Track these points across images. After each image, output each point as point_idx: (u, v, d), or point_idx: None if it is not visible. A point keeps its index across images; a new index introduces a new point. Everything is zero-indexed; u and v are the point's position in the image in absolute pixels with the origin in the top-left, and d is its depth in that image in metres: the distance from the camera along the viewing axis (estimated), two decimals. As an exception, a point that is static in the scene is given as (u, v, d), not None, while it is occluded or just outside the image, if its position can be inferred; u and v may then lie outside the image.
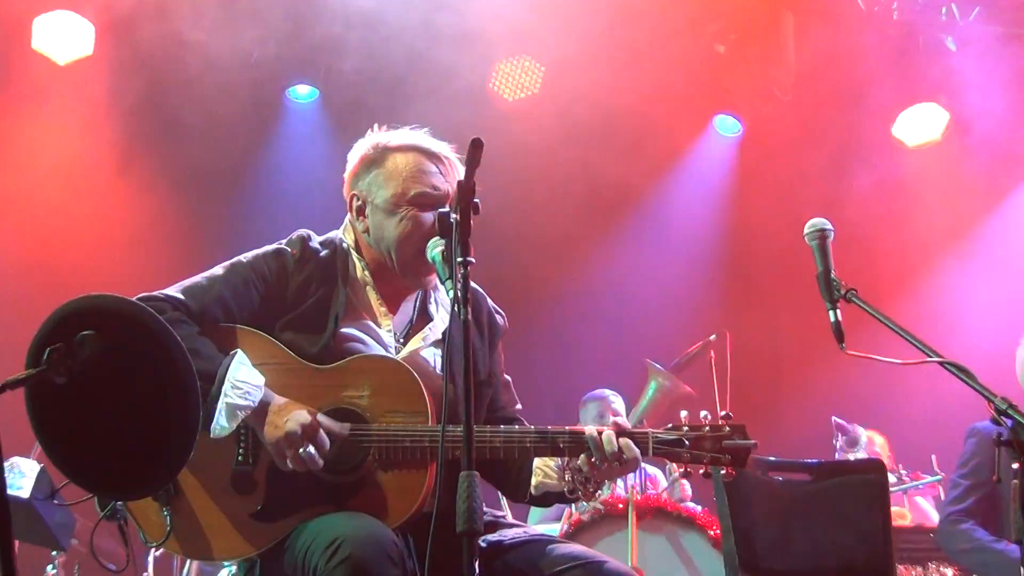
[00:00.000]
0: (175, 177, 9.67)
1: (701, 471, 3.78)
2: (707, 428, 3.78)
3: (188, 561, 8.15)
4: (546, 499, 4.05)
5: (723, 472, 3.77)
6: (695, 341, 8.48)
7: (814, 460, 4.95)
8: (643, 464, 7.11)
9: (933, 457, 7.40)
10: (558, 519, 7.48)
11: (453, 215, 3.41)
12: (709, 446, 3.76)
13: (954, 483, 6.07)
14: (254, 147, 10.10)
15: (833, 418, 7.96)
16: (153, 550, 7.87)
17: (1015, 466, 3.23)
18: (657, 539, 6.73)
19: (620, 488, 7.62)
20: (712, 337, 8.25)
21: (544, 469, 3.98)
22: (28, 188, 9.29)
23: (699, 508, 7.07)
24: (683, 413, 3.81)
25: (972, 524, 5.78)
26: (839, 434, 7.99)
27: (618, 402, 8.57)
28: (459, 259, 3.35)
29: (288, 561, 3.70)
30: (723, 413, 3.81)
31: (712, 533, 6.76)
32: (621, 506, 6.84)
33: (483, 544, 3.86)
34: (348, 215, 4.19)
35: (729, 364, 8.05)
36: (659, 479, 8.29)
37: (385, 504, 3.77)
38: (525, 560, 3.89)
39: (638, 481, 7.60)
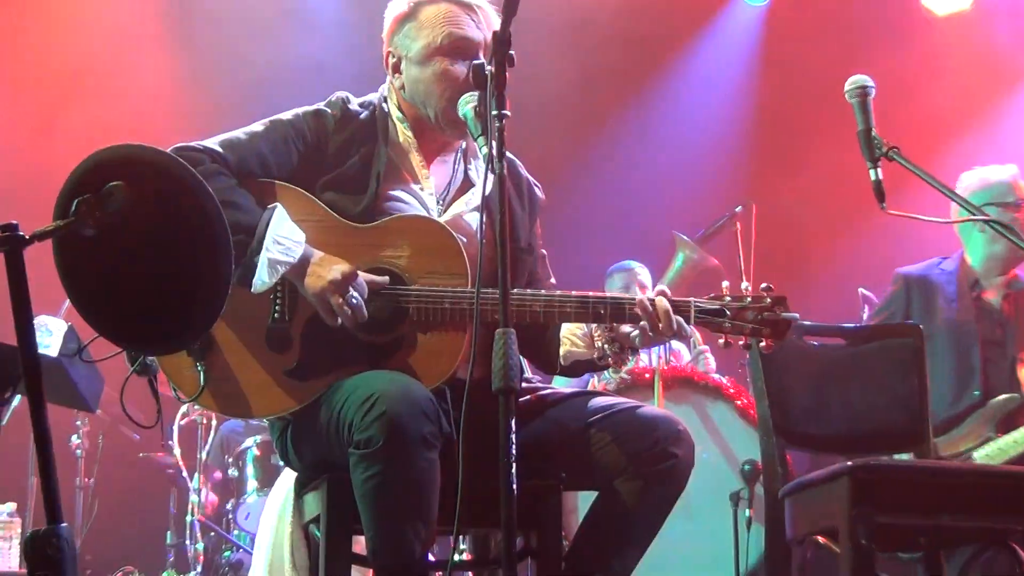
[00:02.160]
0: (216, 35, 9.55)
1: (741, 342, 3.73)
2: (749, 299, 3.72)
3: (212, 431, 8.22)
4: (575, 368, 4.02)
5: (762, 344, 3.72)
6: (721, 212, 8.37)
7: (850, 324, 4.93)
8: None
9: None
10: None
11: (488, 66, 3.32)
12: (751, 317, 3.71)
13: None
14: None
15: (860, 289, 7.88)
16: (177, 419, 7.94)
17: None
18: (684, 409, 6.71)
19: (644, 360, 7.59)
20: (738, 208, 8.14)
21: (571, 338, 3.94)
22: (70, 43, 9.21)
23: (725, 379, 7.04)
24: (724, 284, 3.76)
25: None
26: (866, 305, 7.92)
27: (644, 274, 8.51)
28: (494, 112, 3.27)
29: (323, 418, 3.67)
30: (764, 285, 3.75)
31: (739, 403, 6.75)
32: (648, 376, 6.81)
33: (522, 401, 3.84)
34: (388, 76, 4.10)
35: (755, 235, 7.96)
36: (683, 353, 8.25)
37: (422, 365, 3.73)
38: (565, 412, 3.91)
39: (663, 353, 7.57)
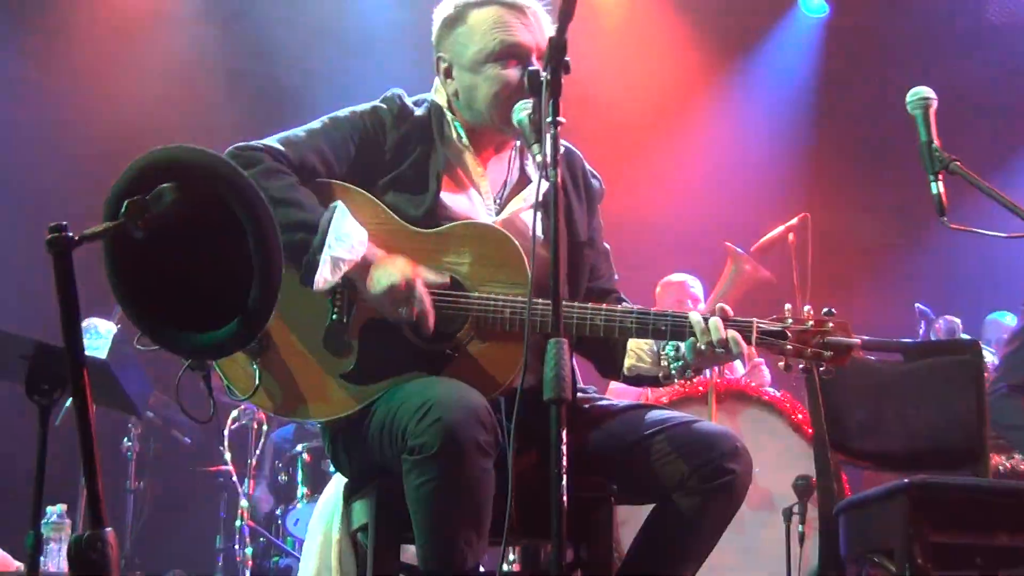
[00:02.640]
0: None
1: (801, 366, 3.68)
2: (811, 323, 3.66)
3: (263, 437, 8.23)
4: (639, 381, 3.99)
5: (822, 368, 3.67)
6: (776, 226, 8.29)
7: (908, 339, 4.86)
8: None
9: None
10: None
11: (544, 73, 3.27)
12: (812, 340, 3.65)
13: (1004, 357, 5.98)
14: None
15: (917, 304, 7.81)
16: (228, 423, 7.95)
17: None
18: (737, 422, 6.65)
19: (698, 373, 7.54)
20: (793, 220, 8.06)
21: (637, 352, 3.90)
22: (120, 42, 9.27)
23: (779, 393, 6.98)
24: (787, 306, 3.70)
25: (1019, 402, 5.69)
26: (923, 321, 7.85)
27: (697, 287, 8.46)
28: (549, 119, 3.23)
29: (376, 422, 3.64)
30: (826, 310, 3.69)
31: (793, 418, 6.68)
32: (701, 389, 6.76)
33: (577, 411, 3.81)
34: (437, 77, 4.07)
35: (811, 249, 7.89)
36: (736, 366, 8.17)
37: (480, 374, 3.69)
38: (621, 424, 3.88)
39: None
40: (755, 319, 3.68)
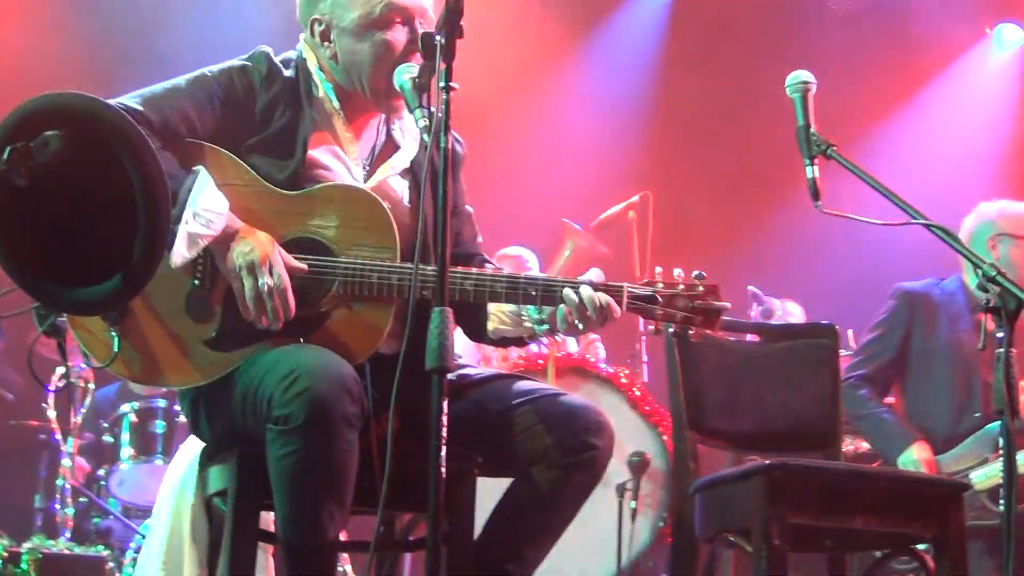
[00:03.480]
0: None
1: (671, 330, 3.69)
2: (681, 287, 3.68)
3: (88, 395, 8.00)
4: (503, 343, 3.98)
5: (691, 332, 3.69)
6: (615, 202, 8.34)
7: (765, 322, 4.92)
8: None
9: (850, 332, 7.38)
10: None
11: (438, 36, 3.22)
12: (682, 304, 3.67)
13: (862, 345, 6.16)
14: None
15: (750, 287, 7.91)
16: (55, 379, 7.70)
17: (1000, 335, 3.17)
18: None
19: (533, 347, 7.53)
20: (634, 198, 8.12)
21: (499, 315, 3.87)
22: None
23: (617, 369, 7.01)
24: (657, 269, 3.71)
25: (868, 391, 5.94)
26: (755, 304, 7.94)
27: (532, 261, 8.43)
28: (442, 84, 3.18)
29: (240, 389, 3.54)
30: (696, 273, 3.71)
31: (630, 394, 6.73)
32: (541, 362, 6.77)
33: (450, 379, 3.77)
34: (303, 34, 3.93)
35: (651, 227, 7.96)
36: (569, 341, 8.20)
37: (346, 340, 3.62)
38: (486, 394, 3.83)
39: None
40: (626, 284, 3.68)
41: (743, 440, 4.81)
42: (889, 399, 6.08)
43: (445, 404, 3.03)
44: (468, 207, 4.14)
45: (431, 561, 3.04)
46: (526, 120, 10.14)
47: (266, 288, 3.49)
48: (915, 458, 5.63)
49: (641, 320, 3.77)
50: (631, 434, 6.61)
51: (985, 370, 5.79)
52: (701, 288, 3.68)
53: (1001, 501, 3.28)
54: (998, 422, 5.60)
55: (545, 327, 3.74)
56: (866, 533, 4.27)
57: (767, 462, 4.09)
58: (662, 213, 8.11)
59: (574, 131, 10.07)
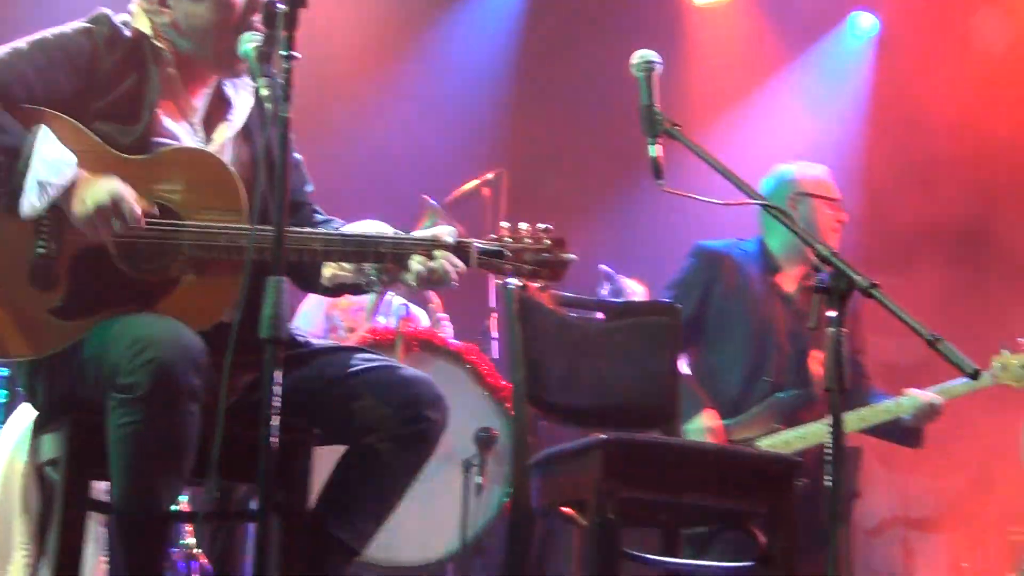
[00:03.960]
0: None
1: (520, 283, 3.73)
2: (528, 240, 3.71)
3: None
4: (339, 291, 3.96)
5: (539, 284, 3.73)
6: (472, 179, 8.33)
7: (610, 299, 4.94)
8: (406, 302, 7.08)
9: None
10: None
11: (280, 4, 3.19)
12: (529, 258, 3.70)
13: None
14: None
15: (600, 266, 7.96)
16: None
17: (832, 314, 3.23)
18: (424, 371, 6.65)
19: (382, 319, 7.52)
20: (489, 175, 8.12)
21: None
22: None
23: (466, 345, 7.01)
24: (504, 224, 3.74)
25: None
26: (606, 282, 7.99)
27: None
28: (284, 53, 3.15)
29: (83, 357, 3.49)
30: (543, 226, 3.74)
31: (480, 368, 6.73)
32: (390, 336, 6.75)
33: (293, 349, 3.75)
34: (135, 2, 3.85)
35: (505, 204, 7.96)
36: (420, 319, 8.19)
37: (192, 307, 3.58)
38: (324, 364, 3.84)
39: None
40: (473, 239, 3.70)
41: (582, 416, 4.83)
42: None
43: (279, 375, 3.01)
44: (297, 155, 4.07)
45: (262, 531, 3.04)
46: (385, 91, 10.06)
47: (122, 217, 3.46)
48: (701, 426, 5.62)
49: (492, 296, 3.80)
50: (479, 410, 6.60)
51: (779, 336, 5.88)
52: (548, 241, 3.73)
53: (827, 477, 3.32)
54: (788, 392, 5.76)
55: (387, 276, 3.73)
56: (700, 508, 4.34)
57: (603, 436, 4.13)
58: (516, 191, 8.10)
59: (434, 105, 10.01)
